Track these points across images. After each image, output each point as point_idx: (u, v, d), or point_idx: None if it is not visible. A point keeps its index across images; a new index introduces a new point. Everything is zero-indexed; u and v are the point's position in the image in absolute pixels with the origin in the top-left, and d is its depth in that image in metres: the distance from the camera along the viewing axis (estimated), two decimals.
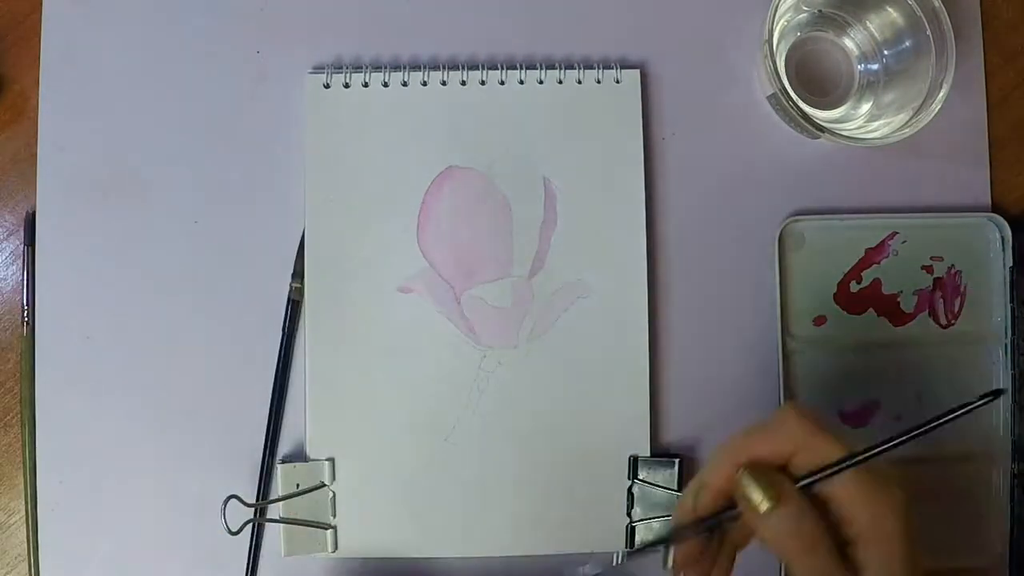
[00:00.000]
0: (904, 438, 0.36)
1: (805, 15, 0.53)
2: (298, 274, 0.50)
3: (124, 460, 0.50)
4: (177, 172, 0.51)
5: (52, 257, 0.50)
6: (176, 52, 0.52)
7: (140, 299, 0.50)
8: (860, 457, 0.36)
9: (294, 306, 0.50)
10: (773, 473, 0.37)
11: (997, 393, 0.36)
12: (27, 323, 0.50)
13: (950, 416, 0.36)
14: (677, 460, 0.49)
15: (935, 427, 0.36)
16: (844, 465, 0.36)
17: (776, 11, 0.48)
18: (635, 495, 0.50)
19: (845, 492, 0.36)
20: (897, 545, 0.35)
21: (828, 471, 0.36)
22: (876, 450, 0.36)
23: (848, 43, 0.53)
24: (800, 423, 0.37)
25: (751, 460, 0.37)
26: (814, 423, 0.37)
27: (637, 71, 0.51)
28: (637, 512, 0.49)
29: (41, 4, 0.52)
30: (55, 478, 0.49)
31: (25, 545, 0.49)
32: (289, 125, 0.51)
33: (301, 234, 0.50)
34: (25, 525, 0.49)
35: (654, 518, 0.49)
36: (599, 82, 0.51)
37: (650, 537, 0.49)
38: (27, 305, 0.50)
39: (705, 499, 0.38)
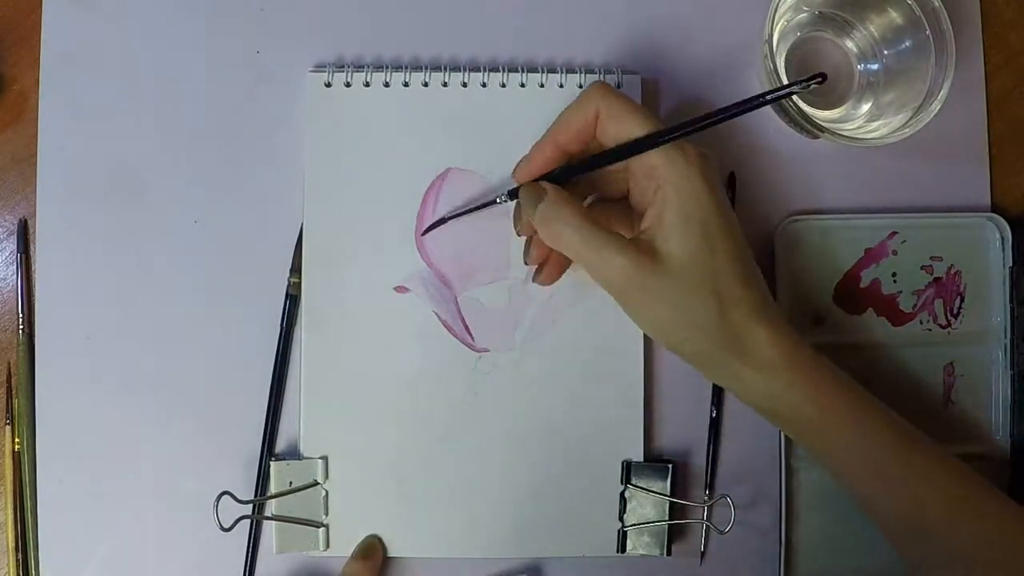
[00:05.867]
0: (710, 121, 0.43)
1: (805, 15, 0.53)
2: (296, 269, 0.50)
3: (124, 459, 0.50)
4: (177, 172, 0.51)
5: (52, 257, 0.51)
6: (176, 52, 0.52)
7: (140, 299, 0.50)
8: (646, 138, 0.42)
9: (292, 302, 0.50)
10: (537, 184, 0.45)
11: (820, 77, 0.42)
12: (23, 329, 0.50)
13: (762, 99, 0.42)
14: (670, 466, 0.49)
15: (744, 110, 0.43)
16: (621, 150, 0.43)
17: (776, 11, 0.48)
18: (628, 500, 0.50)
19: (650, 161, 0.42)
20: (690, 185, 0.42)
21: (604, 158, 0.44)
22: (672, 132, 0.42)
23: (848, 43, 0.53)
24: (600, 89, 0.44)
25: (564, 136, 0.45)
26: (613, 89, 0.44)
27: (638, 76, 0.51)
28: (629, 517, 0.49)
29: (41, 4, 0.52)
30: (55, 477, 0.50)
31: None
32: (289, 125, 0.51)
33: (299, 229, 0.50)
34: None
35: (647, 523, 0.49)
36: None
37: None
38: (23, 312, 0.50)
39: (522, 171, 0.46)
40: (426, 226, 0.50)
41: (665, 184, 0.42)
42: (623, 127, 0.43)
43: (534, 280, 0.48)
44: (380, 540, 0.49)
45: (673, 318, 0.42)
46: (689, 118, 0.42)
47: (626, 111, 0.43)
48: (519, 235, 0.47)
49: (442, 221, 0.49)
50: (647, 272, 0.41)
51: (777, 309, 0.44)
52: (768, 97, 0.42)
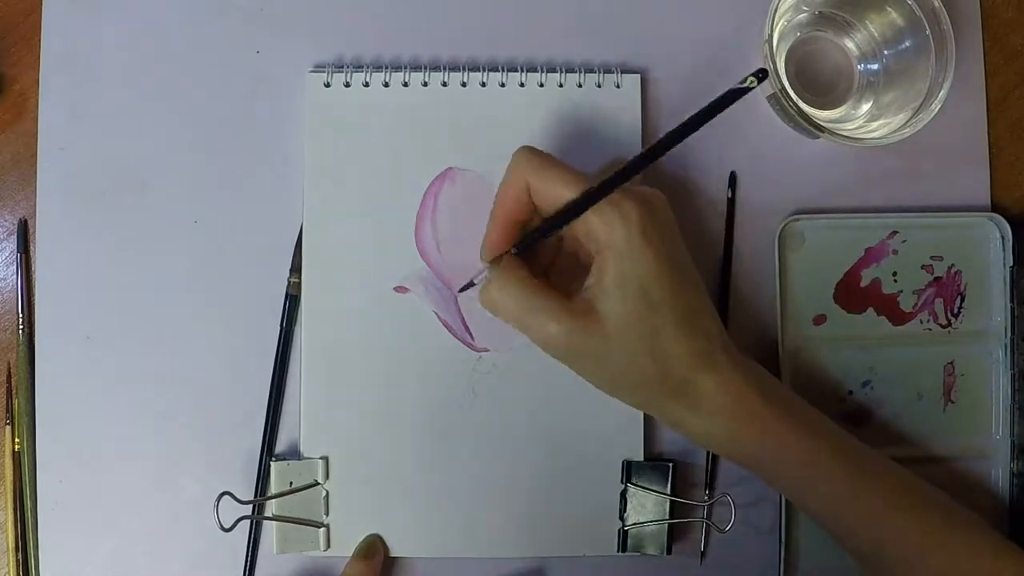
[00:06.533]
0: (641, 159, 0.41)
1: (805, 15, 0.53)
2: (296, 269, 0.50)
3: (124, 459, 0.50)
4: (177, 172, 0.51)
5: (52, 257, 0.51)
6: (176, 52, 0.52)
7: (140, 299, 0.50)
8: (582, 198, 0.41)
9: (292, 301, 0.50)
10: (499, 257, 0.44)
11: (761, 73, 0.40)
12: (23, 329, 0.50)
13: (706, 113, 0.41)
14: (670, 465, 0.49)
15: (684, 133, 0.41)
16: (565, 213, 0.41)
17: (776, 11, 0.48)
18: (628, 499, 0.49)
19: (588, 223, 0.41)
20: (627, 246, 0.41)
21: (553, 223, 0.42)
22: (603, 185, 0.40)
23: (848, 43, 0.53)
24: (523, 157, 0.43)
25: (505, 213, 0.44)
26: (538, 154, 0.43)
27: (637, 76, 0.51)
28: (630, 516, 0.49)
29: (41, 4, 0.52)
30: (55, 478, 0.50)
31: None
32: (289, 125, 0.51)
33: (299, 228, 0.50)
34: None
35: (647, 522, 0.49)
36: (599, 86, 0.51)
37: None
38: (23, 312, 0.50)
39: (485, 255, 0.45)
40: (460, 286, 0.49)
41: (603, 248, 0.41)
42: (555, 191, 0.42)
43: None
44: (381, 540, 0.49)
45: (614, 376, 0.43)
46: (624, 164, 0.41)
47: (553, 177, 0.42)
48: None
49: (471, 285, 0.48)
50: (584, 336, 0.41)
51: (726, 352, 0.43)
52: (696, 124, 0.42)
